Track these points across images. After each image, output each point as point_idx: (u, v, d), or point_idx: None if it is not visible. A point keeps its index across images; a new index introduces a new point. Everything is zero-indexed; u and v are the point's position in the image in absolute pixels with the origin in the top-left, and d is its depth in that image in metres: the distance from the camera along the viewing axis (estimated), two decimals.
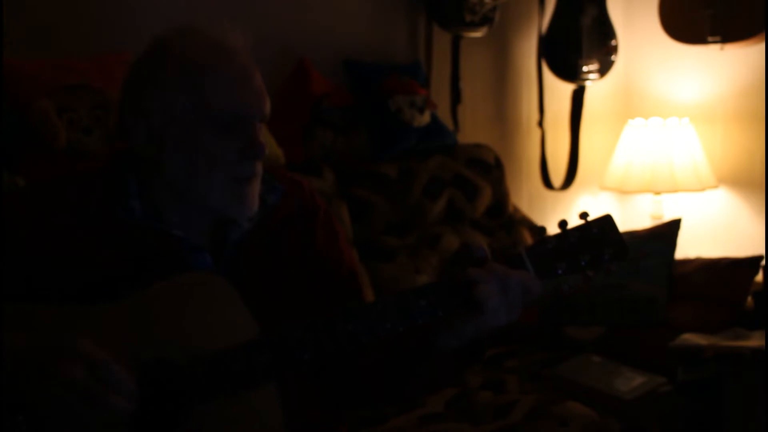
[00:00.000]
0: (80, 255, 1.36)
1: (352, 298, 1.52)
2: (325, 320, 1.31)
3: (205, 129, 1.35)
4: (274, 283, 1.45)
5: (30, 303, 1.34)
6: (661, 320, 2.72)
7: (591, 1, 3.46)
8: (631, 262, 1.39)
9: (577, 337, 2.77)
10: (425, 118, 2.98)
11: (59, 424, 1.22)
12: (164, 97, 1.36)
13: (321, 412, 1.51)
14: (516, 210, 3.27)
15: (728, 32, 3.29)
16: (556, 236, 1.36)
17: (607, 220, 1.37)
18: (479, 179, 3.09)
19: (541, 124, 3.58)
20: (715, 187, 3.59)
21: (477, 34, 3.28)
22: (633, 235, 2.89)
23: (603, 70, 3.51)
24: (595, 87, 3.63)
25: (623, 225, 1.40)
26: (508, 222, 3.17)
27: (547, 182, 3.63)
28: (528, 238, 3.13)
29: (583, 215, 1.37)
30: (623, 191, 3.75)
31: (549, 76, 3.53)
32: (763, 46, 3.36)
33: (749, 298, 2.81)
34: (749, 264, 2.84)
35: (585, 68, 3.45)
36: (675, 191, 3.56)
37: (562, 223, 1.37)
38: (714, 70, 3.65)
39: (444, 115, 3.19)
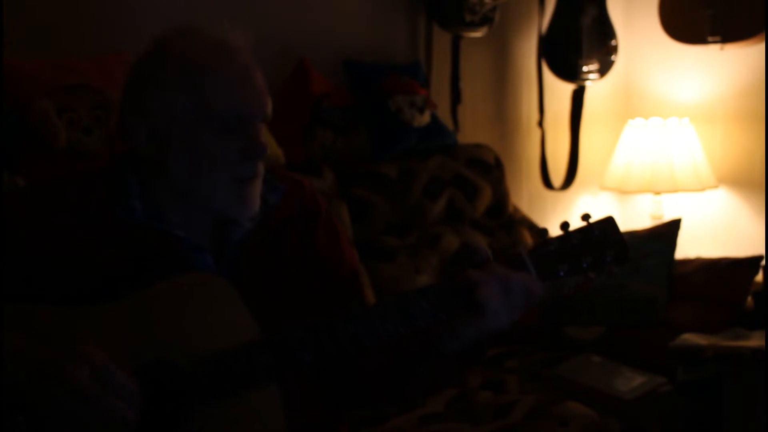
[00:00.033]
0: (80, 255, 1.36)
1: (353, 298, 1.51)
2: (327, 321, 1.31)
3: (205, 129, 1.35)
4: (276, 283, 1.45)
5: (30, 303, 1.33)
6: (661, 320, 2.73)
7: (591, 1, 3.46)
8: (631, 262, 1.39)
9: (577, 337, 2.77)
10: (425, 118, 2.98)
11: (59, 425, 1.21)
12: (164, 97, 1.36)
13: (321, 412, 1.50)
14: (516, 210, 3.27)
15: (728, 32, 3.29)
16: (558, 238, 1.36)
17: (609, 222, 1.37)
18: (479, 179, 3.08)
19: (541, 124, 3.58)
20: (715, 187, 3.59)
21: (477, 34, 3.27)
22: (633, 235, 2.89)
23: (603, 70, 3.51)
24: (595, 87, 3.63)
25: (623, 225, 1.39)
26: (508, 222, 3.17)
27: (547, 182, 3.63)
28: (528, 238, 3.13)
29: (585, 217, 1.37)
30: (623, 191, 3.75)
31: (549, 76, 3.53)
32: (763, 46, 3.36)
33: (749, 298, 2.81)
34: (749, 264, 2.84)
35: (585, 68, 3.45)
36: (675, 191, 3.56)
37: (564, 225, 1.37)
38: (714, 70, 3.65)
39: (444, 115, 3.19)
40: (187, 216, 1.40)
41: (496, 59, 3.57)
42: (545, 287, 1.34)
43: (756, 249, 3.07)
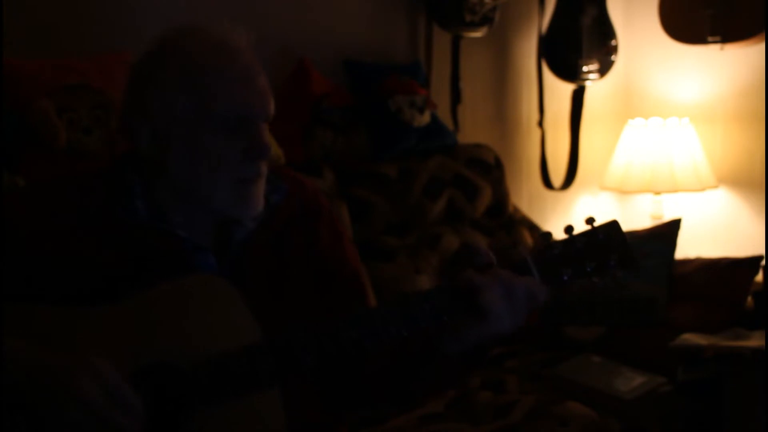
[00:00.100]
0: (81, 255, 1.36)
1: (355, 298, 1.51)
2: (328, 324, 1.31)
3: (205, 129, 1.35)
4: (278, 283, 1.45)
5: (30, 303, 1.33)
6: (661, 320, 2.72)
7: (591, 1, 3.46)
8: (637, 267, 1.38)
9: (577, 337, 2.77)
10: (425, 118, 2.98)
11: (59, 426, 1.21)
12: (164, 97, 1.35)
13: (321, 413, 1.50)
14: (516, 210, 3.27)
15: (728, 32, 3.29)
16: (562, 242, 1.35)
17: (613, 226, 1.36)
18: (479, 179, 3.08)
19: (541, 124, 3.58)
20: (715, 187, 3.59)
21: (477, 34, 3.27)
22: (633, 235, 2.89)
23: (603, 70, 3.51)
24: (595, 87, 3.63)
25: (623, 225, 1.39)
26: (508, 222, 3.17)
27: (547, 182, 3.63)
28: (528, 238, 3.13)
29: (590, 221, 1.36)
30: (623, 191, 3.75)
31: (549, 76, 3.52)
32: (763, 46, 3.36)
33: (749, 298, 2.81)
34: (749, 264, 2.84)
35: (585, 68, 3.45)
36: (675, 191, 3.56)
37: (569, 229, 1.36)
38: (714, 70, 3.65)
39: (444, 115, 3.19)
40: (188, 216, 1.40)
41: (496, 59, 3.57)
42: (549, 291, 1.34)
43: (756, 249, 3.07)
